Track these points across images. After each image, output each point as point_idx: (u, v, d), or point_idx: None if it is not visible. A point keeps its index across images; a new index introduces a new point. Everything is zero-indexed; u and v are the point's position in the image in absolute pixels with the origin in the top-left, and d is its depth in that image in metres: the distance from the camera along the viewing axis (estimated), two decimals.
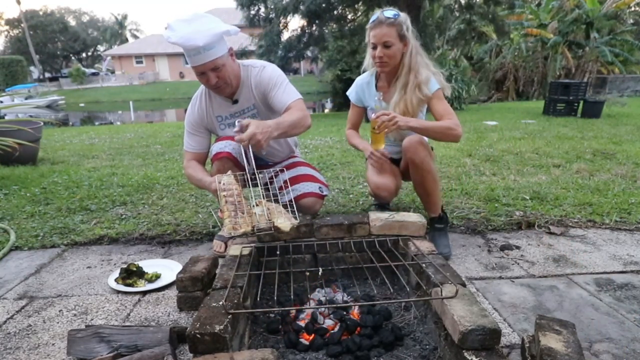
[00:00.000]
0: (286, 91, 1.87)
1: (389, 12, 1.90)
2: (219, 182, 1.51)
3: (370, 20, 1.94)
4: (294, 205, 1.62)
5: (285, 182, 2.08)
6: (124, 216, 2.57)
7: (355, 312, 1.47)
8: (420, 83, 1.94)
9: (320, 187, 2.06)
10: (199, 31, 1.67)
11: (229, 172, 1.66)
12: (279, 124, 1.66)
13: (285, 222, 1.42)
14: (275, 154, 2.18)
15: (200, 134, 2.02)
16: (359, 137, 2.24)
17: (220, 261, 1.63)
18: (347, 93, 2.26)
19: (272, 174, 2.22)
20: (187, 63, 1.79)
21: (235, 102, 1.95)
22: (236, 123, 1.58)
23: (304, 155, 4.24)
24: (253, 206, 1.53)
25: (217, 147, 1.93)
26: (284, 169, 2.17)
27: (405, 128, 1.83)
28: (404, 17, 1.93)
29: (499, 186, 2.92)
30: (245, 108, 1.98)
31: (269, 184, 2.19)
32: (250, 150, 1.91)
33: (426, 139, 2.12)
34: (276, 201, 2.23)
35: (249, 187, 1.65)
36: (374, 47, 1.93)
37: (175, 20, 1.71)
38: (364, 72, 2.18)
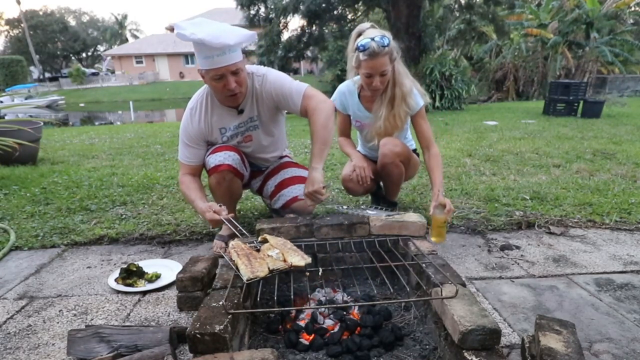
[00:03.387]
0: (294, 92, 1.84)
1: (380, 39, 1.81)
2: (231, 247, 1.52)
3: (361, 47, 1.83)
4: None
5: (274, 188, 2.10)
6: (124, 216, 2.57)
7: (355, 312, 1.47)
8: (405, 96, 2.01)
9: None
10: (226, 30, 1.62)
11: (236, 240, 1.60)
12: (317, 155, 1.75)
13: (300, 260, 1.45)
14: (268, 159, 2.18)
15: (198, 146, 1.93)
16: (351, 147, 2.32)
17: (220, 261, 1.63)
18: (332, 100, 2.29)
19: (260, 183, 2.22)
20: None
21: (241, 112, 1.90)
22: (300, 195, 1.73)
23: (304, 155, 4.24)
24: (258, 248, 1.55)
25: (215, 160, 1.87)
26: (271, 175, 2.17)
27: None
28: (390, 37, 1.87)
29: (499, 186, 2.92)
30: (248, 119, 1.93)
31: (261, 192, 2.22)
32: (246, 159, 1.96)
33: (414, 144, 2.32)
34: (274, 211, 2.26)
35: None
36: (369, 76, 1.91)
37: (182, 22, 1.66)
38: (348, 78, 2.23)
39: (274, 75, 1.88)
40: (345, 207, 1.81)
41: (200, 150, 1.94)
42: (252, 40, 1.76)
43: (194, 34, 1.58)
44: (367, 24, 1.96)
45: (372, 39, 1.81)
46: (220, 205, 1.69)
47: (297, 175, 2.10)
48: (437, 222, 1.90)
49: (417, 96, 2.05)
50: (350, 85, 2.20)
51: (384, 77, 1.92)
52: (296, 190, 2.04)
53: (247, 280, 1.31)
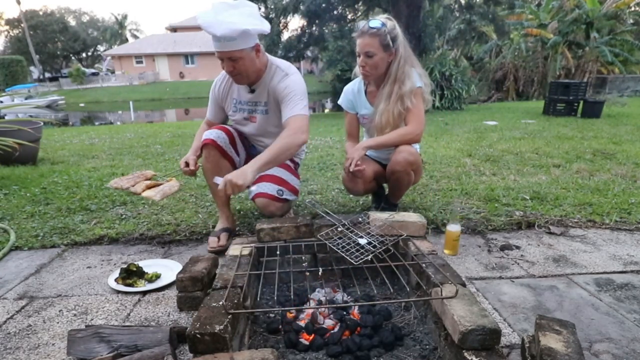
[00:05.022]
0: (291, 107, 1.90)
1: (374, 22, 1.93)
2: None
3: (356, 29, 2.01)
4: None
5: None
6: (124, 216, 2.57)
7: (355, 312, 1.47)
8: (403, 95, 2.00)
9: (279, 190, 2.05)
10: (222, 22, 1.72)
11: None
12: (259, 160, 1.74)
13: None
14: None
15: (217, 107, 2.23)
16: None
17: (220, 261, 1.63)
18: (339, 102, 2.34)
19: None
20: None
21: (252, 91, 2.05)
22: (216, 179, 1.71)
23: (303, 155, 4.23)
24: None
25: (205, 134, 2.06)
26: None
27: (366, 151, 2.06)
28: (390, 26, 1.93)
29: (499, 186, 2.92)
30: (258, 101, 2.07)
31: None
32: (241, 141, 2.16)
33: (418, 148, 2.27)
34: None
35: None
36: (358, 55, 2.00)
37: (219, 1, 1.77)
38: (354, 77, 2.24)
39: (295, 81, 1.95)
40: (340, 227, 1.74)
41: (218, 112, 2.24)
42: (246, 35, 1.77)
43: (199, 17, 1.75)
44: (379, 16, 2.05)
45: (367, 22, 1.95)
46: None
47: (276, 175, 2.10)
48: (451, 236, 1.95)
49: (416, 79, 2.04)
50: (356, 82, 2.24)
51: (370, 60, 1.95)
52: (265, 187, 2.03)
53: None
